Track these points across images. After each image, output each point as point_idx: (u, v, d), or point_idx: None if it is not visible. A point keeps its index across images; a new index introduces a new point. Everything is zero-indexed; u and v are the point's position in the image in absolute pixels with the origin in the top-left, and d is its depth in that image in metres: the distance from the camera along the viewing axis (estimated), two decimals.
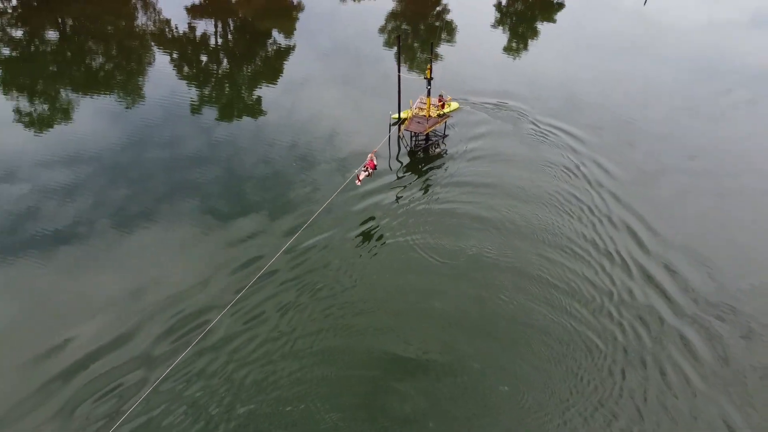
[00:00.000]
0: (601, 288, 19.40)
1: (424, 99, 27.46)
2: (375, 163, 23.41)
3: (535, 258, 20.67)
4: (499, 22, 47.00)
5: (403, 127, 27.62)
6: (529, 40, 43.55)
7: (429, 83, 26.23)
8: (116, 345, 16.99)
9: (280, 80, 35.25)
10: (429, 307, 18.65)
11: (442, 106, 28.66)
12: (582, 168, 26.06)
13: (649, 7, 50.57)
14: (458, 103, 31.14)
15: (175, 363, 15.55)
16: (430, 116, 27.41)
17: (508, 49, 41.34)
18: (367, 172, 23.08)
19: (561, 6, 50.08)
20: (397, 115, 28.74)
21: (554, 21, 47.27)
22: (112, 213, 22.78)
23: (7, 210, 22.71)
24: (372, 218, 22.82)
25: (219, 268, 19.79)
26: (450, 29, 44.05)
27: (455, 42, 42.11)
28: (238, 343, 17.02)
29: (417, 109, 27.83)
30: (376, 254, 21.00)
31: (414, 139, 28.12)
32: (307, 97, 33.11)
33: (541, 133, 29.11)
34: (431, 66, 25.93)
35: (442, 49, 40.64)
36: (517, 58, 40.30)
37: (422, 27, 43.12)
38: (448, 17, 46.25)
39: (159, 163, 26.19)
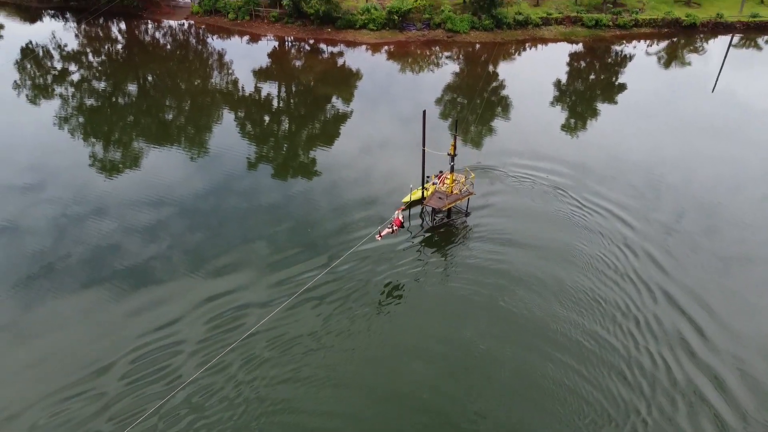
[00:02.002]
0: (633, 393, 18.82)
1: (447, 174, 28.58)
2: (401, 220, 24.71)
3: (544, 363, 20.07)
4: (558, 100, 48.79)
5: (425, 201, 28.67)
6: (591, 119, 44.79)
7: (452, 159, 27.33)
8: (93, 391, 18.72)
9: (336, 143, 38.33)
10: (416, 397, 18.32)
11: (442, 182, 29.20)
12: (639, 253, 26.14)
13: (718, 94, 50.92)
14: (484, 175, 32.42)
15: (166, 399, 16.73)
16: (452, 192, 28.09)
17: (567, 127, 42.71)
18: (391, 230, 24.30)
19: (623, 87, 51.41)
20: (408, 198, 29.40)
21: (615, 102, 48.50)
22: (178, 254, 25.55)
23: (94, 244, 26.23)
24: (377, 286, 23.85)
25: (224, 317, 21.73)
26: (505, 105, 46.24)
27: (509, 117, 44.07)
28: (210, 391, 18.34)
29: (440, 184, 28.82)
30: (367, 325, 21.74)
31: (433, 214, 28.84)
32: (358, 160, 35.70)
33: (604, 210, 29.75)
34: (455, 143, 27.20)
35: (498, 123, 42.65)
36: (577, 136, 41.54)
37: (477, 101, 45.64)
38: (504, 92, 48.62)
39: (213, 213, 29.01)
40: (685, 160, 36.93)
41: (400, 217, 24.96)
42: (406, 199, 29.32)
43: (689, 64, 57.60)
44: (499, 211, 30.01)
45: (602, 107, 47.01)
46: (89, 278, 24.28)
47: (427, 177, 30.01)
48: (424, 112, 28.65)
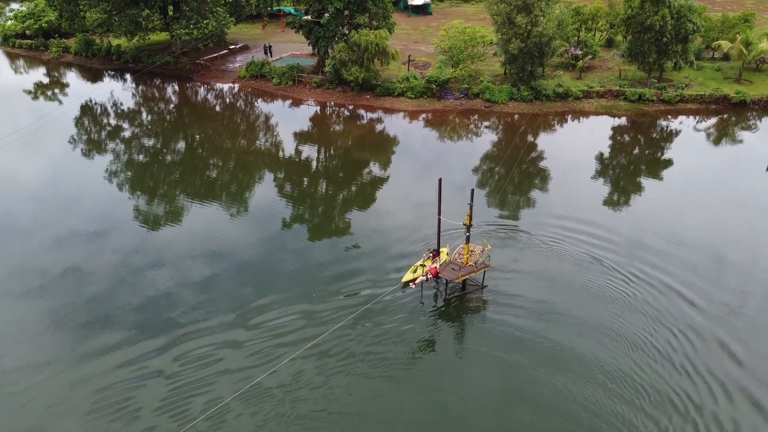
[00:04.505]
0: None
1: (462, 246, 28.97)
2: (437, 269, 25.94)
3: None
4: (599, 173, 49.55)
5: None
6: (635, 194, 45.19)
7: (468, 230, 27.62)
8: None
9: (372, 206, 40.42)
10: None
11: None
12: (699, 346, 25.48)
13: None
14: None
15: None
16: (466, 264, 28.06)
17: (609, 202, 43.28)
18: (425, 278, 25.62)
19: (669, 162, 51.82)
20: (407, 277, 28.79)
21: (661, 177, 48.84)
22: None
23: (148, 293, 28.98)
24: (374, 354, 24.61)
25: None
26: (543, 175, 47.41)
27: (547, 188, 45.00)
28: None
29: (456, 255, 29.12)
30: (347, 386, 22.82)
31: (447, 287, 28.72)
32: (388, 223, 37.29)
33: (655, 289, 29.50)
34: (471, 212, 27.53)
35: (535, 193, 43.64)
36: (620, 209, 42.12)
37: (516, 172, 47.05)
38: (542, 163, 49.93)
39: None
40: (745, 238, 36.25)
41: (436, 266, 26.35)
42: (407, 277, 28.53)
43: (741, 141, 57.74)
44: (522, 283, 29.92)
45: (647, 182, 47.41)
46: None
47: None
48: (440, 180, 28.72)
